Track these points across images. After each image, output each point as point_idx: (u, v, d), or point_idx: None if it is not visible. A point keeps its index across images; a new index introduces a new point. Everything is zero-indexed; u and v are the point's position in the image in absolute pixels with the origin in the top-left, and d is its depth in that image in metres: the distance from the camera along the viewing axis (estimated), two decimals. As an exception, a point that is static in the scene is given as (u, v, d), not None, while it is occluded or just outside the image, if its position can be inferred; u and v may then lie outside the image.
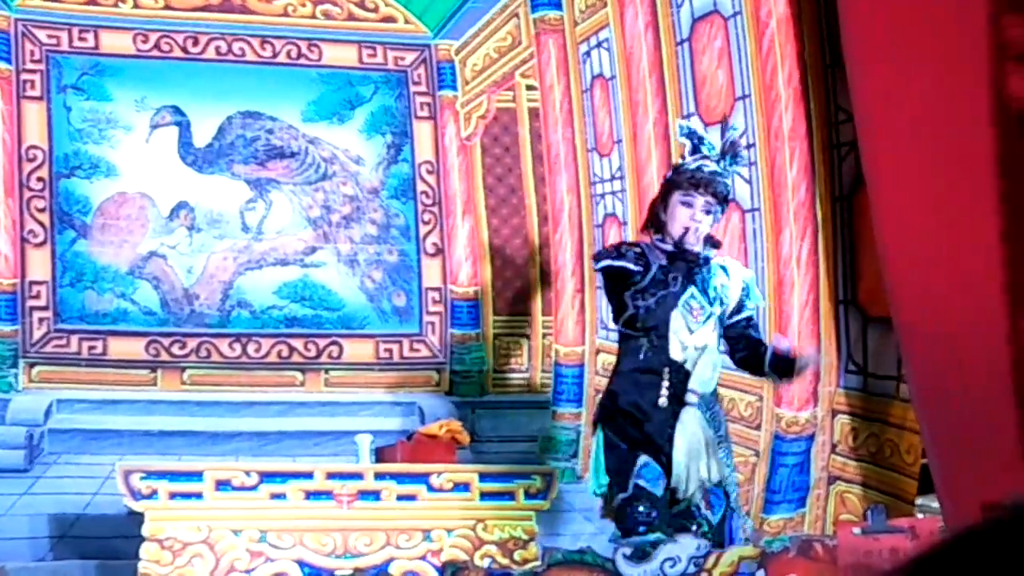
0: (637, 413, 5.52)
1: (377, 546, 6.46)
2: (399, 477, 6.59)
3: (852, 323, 6.96)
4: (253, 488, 6.42)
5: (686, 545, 5.25)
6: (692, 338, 5.53)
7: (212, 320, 11.12)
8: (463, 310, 11.57)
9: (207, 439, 9.87)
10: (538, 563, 5.66)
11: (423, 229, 11.63)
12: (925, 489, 6.34)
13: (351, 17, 11.54)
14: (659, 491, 5.48)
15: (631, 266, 5.47)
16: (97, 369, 10.75)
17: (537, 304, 11.50)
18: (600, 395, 5.90)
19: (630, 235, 9.10)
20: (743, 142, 6.08)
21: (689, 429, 5.51)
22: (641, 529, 5.42)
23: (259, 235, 11.28)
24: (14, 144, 10.68)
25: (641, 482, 5.46)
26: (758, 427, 7.40)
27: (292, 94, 11.44)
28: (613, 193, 9.56)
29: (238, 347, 11.10)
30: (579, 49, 9.88)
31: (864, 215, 6.64)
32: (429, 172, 11.70)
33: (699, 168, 5.51)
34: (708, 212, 5.50)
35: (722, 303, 5.61)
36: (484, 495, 6.60)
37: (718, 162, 5.55)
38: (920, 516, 6.20)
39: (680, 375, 5.52)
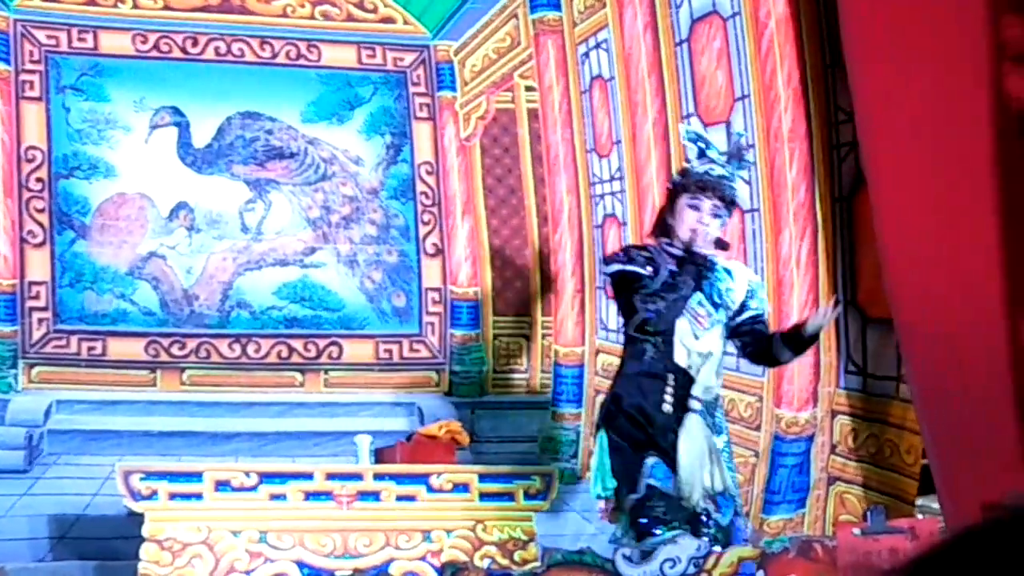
0: (641, 416, 5.52)
1: (377, 547, 6.47)
2: (399, 478, 6.60)
3: (851, 324, 6.96)
4: (253, 489, 6.43)
5: (686, 546, 5.25)
6: (697, 344, 5.53)
7: (212, 321, 11.12)
8: (463, 311, 11.56)
9: (207, 440, 9.87)
10: (538, 564, 5.66)
11: (423, 230, 11.63)
12: (925, 490, 6.34)
13: (350, 18, 11.53)
14: (671, 489, 5.48)
15: (641, 270, 5.47)
16: (96, 370, 10.74)
17: (537, 304, 11.50)
18: (603, 397, 5.89)
19: (629, 235, 9.10)
20: (743, 142, 6.08)
21: (693, 437, 5.51)
22: (659, 527, 5.42)
23: (258, 236, 11.27)
24: (13, 145, 10.67)
25: (653, 481, 5.46)
26: (758, 428, 7.40)
27: (291, 95, 11.43)
28: (612, 194, 9.56)
29: (238, 348, 11.09)
30: (578, 50, 9.88)
31: (864, 216, 6.65)
32: (428, 173, 11.70)
33: (707, 172, 5.52)
34: (715, 215, 5.50)
35: (727, 308, 5.61)
36: (484, 496, 6.61)
37: (725, 166, 5.55)
38: (920, 517, 6.21)
39: (684, 381, 5.52)
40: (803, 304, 7.02)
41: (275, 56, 11.40)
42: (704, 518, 5.58)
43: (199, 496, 6.39)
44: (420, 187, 11.65)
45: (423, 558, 6.48)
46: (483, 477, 6.67)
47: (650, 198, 8.72)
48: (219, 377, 10.91)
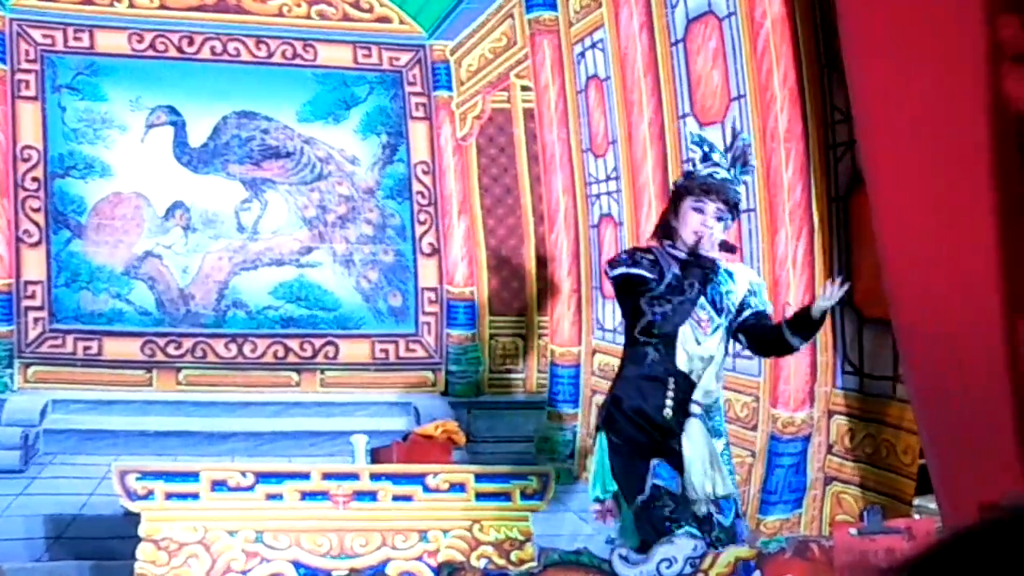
0: (642, 419, 5.51)
1: (373, 547, 6.46)
2: (395, 478, 6.59)
3: (848, 324, 6.97)
4: (249, 488, 6.42)
5: (682, 546, 5.25)
6: (699, 349, 5.52)
7: (208, 320, 11.12)
8: (459, 310, 11.56)
9: (203, 439, 9.86)
10: (534, 564, 5.67)
11: (419, 229, 11.63)
12: (922, 490, 6.34)
13: (346, 17, 11.53)
14: (677, 488, 5.47)
15: (646, 273, 5.46)
16: (92, 369, 10.74)
17: (533, 304, 11.50)
18: (601, 399, 5.88)
19: (626, 235, 9.10)
20: (748, 146, 6.08)
21: (695, 441, 5.50)
22: (668, 526, 5.42)
23: (254, 235, 11.27)
24: (9, 144, 10.66)
25: (659, 481, 5.46)
26: (754, 428, 7.41)
27: (287, 94, 11.43)
28: (608, 193, 9.56)
29: (234, 347, 11.09)
30: (574, 50, 9.88)
31: (860, 216, 6.65)
32: (425, 172, 11.70)
33: (711, 175, 5.52)
34: (719, 219, 5.50)
35: (728, 312, 5.61)
36: (480, 496, 6.60)
37: (729, 170, 5.55)
38: (917, 517, 6.21)
39: (685, 385, 5.51)
40: (799, 305, 7.01)
41: (271, 55, 11.39)
42: (708, 520, 5.57)
43: (195, 496, 6.38)
44: (416, 187, 11.65)
45: (419, 558, 6.47)
46: (479, 477, 6.66)
47: (646, 198, 8.72)
48: (215, 377, 10.91)
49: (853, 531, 5.31)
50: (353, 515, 6.47)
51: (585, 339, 10.06)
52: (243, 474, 6.43)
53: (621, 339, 9.16)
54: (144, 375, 10.85)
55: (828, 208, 7.03)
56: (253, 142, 11.29)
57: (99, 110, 10.92)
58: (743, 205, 7.35)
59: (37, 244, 10.74)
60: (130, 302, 10.93)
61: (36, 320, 10.72)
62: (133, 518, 6.33)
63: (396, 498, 6.53)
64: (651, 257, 5.56)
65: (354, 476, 6.58)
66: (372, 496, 6.51)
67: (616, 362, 9.17)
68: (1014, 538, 1.42)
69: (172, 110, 11.07)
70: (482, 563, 6.44)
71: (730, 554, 5.30)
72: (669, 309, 5.38)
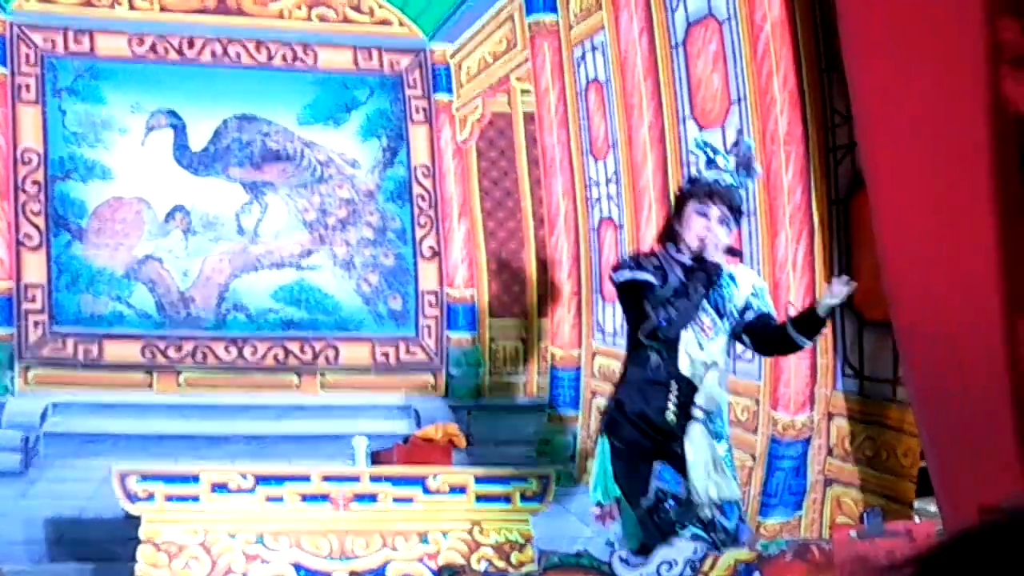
0: (644, 424, 5.51)
1: (373, 549, 6.46)
2: (395, 480, 6.59)
3: (848, 326, 6.97)
4: (249, 491, 6.42)
5: (682, 548, 5.25)
6: (701, 353, 5.51)
7: (208, 323, 11.13)
8: (459, 313, 11.58)
9: (203, 442, 9.86)
10: (534, 566, 5.67)
11: (419, 232, 11.64)
12: (922, 492, 6.34)
13: (346, 20, 11.55)
14: (681, 491, 5.47)
15: (651, 278, 5.45)
16: (93, 372, 10.75)
17: (533, 307, 11.51)
18: (602, 402, 5.87)
19: (625, 238, 9.10)
20: (752, 152, 6.08)
21: (698, 445, 5.50)
22: (673, 529, 5.42)
23: (255, 238, 11.28)
24: (9, 147, 10.68)
25: (662, 485, 5.45)
26: (754, 431, 7.41)
27: (288, 97, 11.45)
28: (608, 196, 9.56)
29: (234, 350, 11.10)
30: (574, 53, 9.88)
31: (860, 218, 6.65)
32: (425, 175, 11.71)
33: (716, 180, 5.51)
34: (723, 223, 5.49)
35: (731, 317, 5.60)
36: (480, 498, 6.60)
37: (733, 175, 5.55)
38: (917, 519, 6.21)
39: (688, 390, 5.50)
40: (797, 305, 7.01)
41: (271, 59, 11.41)
42: (712, 523, 5.57)
43: (196, 498, 6.38)
44: (416, 190, 11.67)
45: (420, 560, 6.48)
46: (480, 479, 6.66)
47: (646, 201, 8.73)
48: (215, 379, 10.92)
49: (853, 534, 5.31)
50: (353, 517, 6.47)
51: (585, 342, 10.05)
52: (243, 476, 6.44)
53: (621, 342, 9.18)
54: (144, 378, 10.86)
55: (828, 211, 7.02)
56: (253, 145, 11.31)
57: (99, 113, 10.94)
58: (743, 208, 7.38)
59: (37, 247, 10.75)
60: (130, 305, 10.94)
61: (36, 323, 10.73)
62: (133, 520, 6.33)
63: (396, 500, 6.53)
64: (655, 262, 5.55)
65: (354, 478, 6.58)
66: (372, 498, 6.52)
67: (616, 365, 9.18)
68: (1014, 541, 1.42)
69: (172, 113, 11.09)
70: (482, 565, 6.44)
71: (730, 556, 5.30)
72: (674, 313, 5.36)
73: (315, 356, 11.27)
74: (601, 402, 9.39)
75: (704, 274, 5.40)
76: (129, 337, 10.89)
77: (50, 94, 10.87)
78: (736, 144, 5.76)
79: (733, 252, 5.54)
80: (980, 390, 4.95)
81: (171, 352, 10.97)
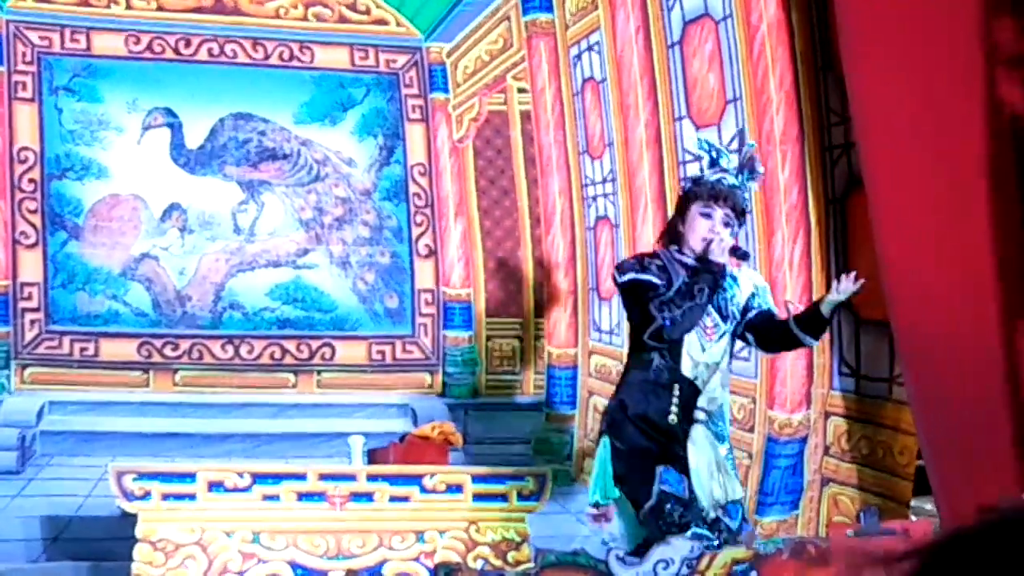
0: (647, 425, 5.49)
1: (370, 547, 6.46)
2: (392, 479, 6.58)
3: (845, 325, 6.97)
4: (246, 489, 6.41)
5: (679, 547, 5.25)
6: (704, 355, 5.50)
7: (204, 322, 11.13)
8: (456, 312, 11.59)
9: (200, 440, 9.87)
10: (531, 565, 5.66)
11: (415, 231, 11.65)
12: (919, 491, 6.35)
13: (343, 19, 11.56)
14: (684, 493, 5.45)
15: (655, 279, 5.43)
16: (89, 371, 10.76)
17: (530, 306, 11.52)
18: (607, 405, 5.84)
19: (622, 237, 9.11)
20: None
21: (700, 448, 5.49)
22: (678, 530, 5.40)
23: (251, 237, 11.29)
24: (5, 146, 10.68)
25: (666, 487, 5.43)
26: (751, 429, 7.41)
27: (284, 96, 11.45)
28: (605, 195, 9.56)
29: (230, 349, 11.10)
30: (570, 52, 9.88)
31: (857, 218, 6.65)
32: (421, 174, 11.72)
33: (719, 181, 5.49)
34: (727, 224, 5.46)
35: (733, 318, 5.59)
36: (477, 497, 6.59)
37: (736, 176, 5.53)
38: (913, 518, 6.22)
39: (690, 391, 5.49)
40: (795, 304, 7.01)
41: (268, 57, 11.42)
42: (716, 524, 5.56)
43: (192, 497, 6.37)
44: (413, 188, 11.68)
45: (416, 559, 6.47)
46: (476, 478, 6.65)
47: (642, 200, 8.73)
48: (212, 378, 10.94)
49: (850, 532, 5.31)
50: (350, 516, 6.46)
51: (582, 341, 10.06)
52: (240, 475, 6.43)
53: (618, 340, 9.23)
54: (141, 376, 10.87)
55: (825, 210, 7.02)
56: (250, 144, 11.31)
57: (96, 112, 10.94)
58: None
59: (34, 246, 10.76)
60: (127, 303, 10.95)
61: (33, 321, 10.74)
62: (130, 519, 6.33)
63: (393, 499, 6.53)
64: (659, 262, 5.53)
65: (351, 477, 6.57)
66: (369, 497, 6.51)
67: (613, 363, 9.22)
68: (1010, 540, 1.43)
69: (169, 112, 11.10)
70: (479, 564, 6.44)
71: (726, 555, 5.30)
72: (679, 314, 5.34)
73: (311, 355, 11.28)
74: (598, 401, 9.41)
75: (710, 276, 5.38)
76: (125, 335, 10.89)
77: (47, 92, 10.88)
78: (739, 145, 5.75)
79: (740, 254, 5.52)
80: (978, 390, 4.96)
81: (167, 350, 10.98)
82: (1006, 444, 4.84)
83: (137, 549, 6.27)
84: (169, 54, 11.16)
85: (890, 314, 5.80)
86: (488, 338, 11.62)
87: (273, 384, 11.07)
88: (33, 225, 10.76)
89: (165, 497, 6.34)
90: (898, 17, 5.26)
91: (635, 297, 5.49)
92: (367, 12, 11.59)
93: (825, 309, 5.34)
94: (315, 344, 11.29)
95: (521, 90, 11.16)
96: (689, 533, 5.32)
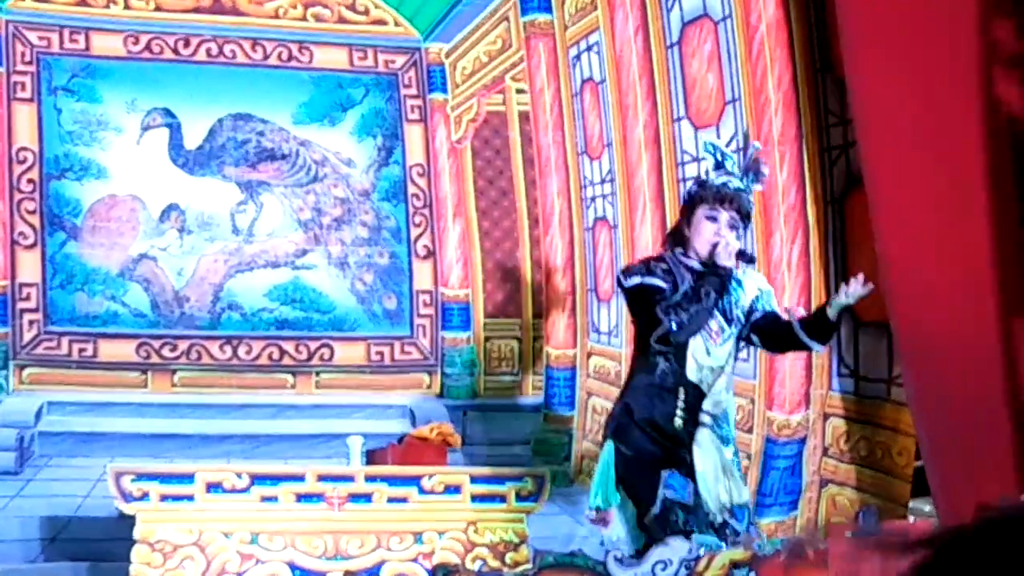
0: (652, 429, 5.48)
1: (368, 548, 6.46)
2: (390, 479, 6.58)
3: (844, 326, 6.96)
4: (244, 490, 6.41)
5: (677, 548, 5.24)
6: (709, 359, 5.48)
7: (203, 322, 11.13)
8: (454, 313, 11.59)
9: (198, 441, 9.87)
10: (529, 566, 5.65)
11: (414, 231, 11.65)
12: (917, 492, 6.34)
13: (342, 20, 11.56)
14: (689, 499, 5.44)
15: (661, 283, 5.41)
16: (87, 371, 10.76)
17: (528, 307, 11.52)
18: (612, 409, 5.83)
19: (620, 238, 9.10)
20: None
21: (706, 451, 5.48)
22: (682, 537, 5.38)
23: (250, 237, 11.29)
24: (4, 146, 10.68)
25: (670, 493, 5.42)
26: (750, 430, 7.41)
27: (283, 96, 11.46)
28: (603, 196, 9.56)
29: (229, 349, 11.10)
30: (569, 53, 9.88)
31: (855, 218, 6.65)
32: (420, 175, 11.73)
33: (725, 184, 5.47)
34: (732, 228, 5.44)
35: (738, 322, 5.57)
36: (475, 497, 6.59)
37: (741, 179, 5.52)
38: (912, 519, 6.21)
39: (695, 395, 5.47)
40: (795, 307, 7.01)
41: (267, 58, 11.42)
42: (723, 528, 5.54)
43: (190, 498, 6.37)
44: (411, 189, 11.68)
45: (415, 560, 6.47)
46: (475, 479, 6.65)
47: (641, 201, 8.72)
48: (210, 379, 10.94)
49: (848, 533, 5.30)
50: (348, 517, 6.46)
51: (580, 342, 10.05)
52: (238, 476, 6.43)
53: (617, 342, 9.23)
54: (139, 377, 10.87)
55: (823, 211, 7.01)
56: (249, 144, 11.32)
57: (95, 112, 10.95)
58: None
59: (32, 246, 10.75)
60: (125, 304, 10.95)
61: (31, 322, 10.73)
62: (128, 520, 6.32)
63: (391, 500, 6.52)
64: (664, 266, 5.50)
65: (349, 478, 6.57)
66: (367, 498, 6.51)
67: (611, 364, 9.22)
68: (1008, 539, 1.43)
69: (168, 112, 11.10)
70: (477, 565, 6.44)
71: (724, 556, 5.29)
72: (686, 318, 5.31)
73: (310, 355, 11.28)
74: (597, 402, 9.41)
75: (716, 279, 5.35)
76: (124, 336, 10.90)
77: (46, 92, 10.88)
78: (744, 147, 5.73)
79: (746, 257, 5.49)
80: (977, 389, 4.95)
81: (166, 351, 10.98)
82: (1005, 444, 4.84)
83: (135, 550, 6.27)
84: (168, 54, 11.16)
85: (890, 313, 5.80)
86: (486, 339, 11.62)
87: (272, 385, 11.07)
88: (32, 225, 10.77)
89: (163, 498, 6.34)
90: (898, 18, 5.26)
91: (641, 301, 5.47)
92: (366, 12, 11.59)
93: (832, 313, 5.31)
94: (313, 345, 11.29)
95: (520, 91, 11.16)
96: (695, 541, 5.30)
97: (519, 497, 6.63)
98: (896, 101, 5.32)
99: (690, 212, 5.53)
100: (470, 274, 11.66)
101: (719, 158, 5.56)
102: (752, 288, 5.63)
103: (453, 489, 6.59)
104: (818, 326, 5.40)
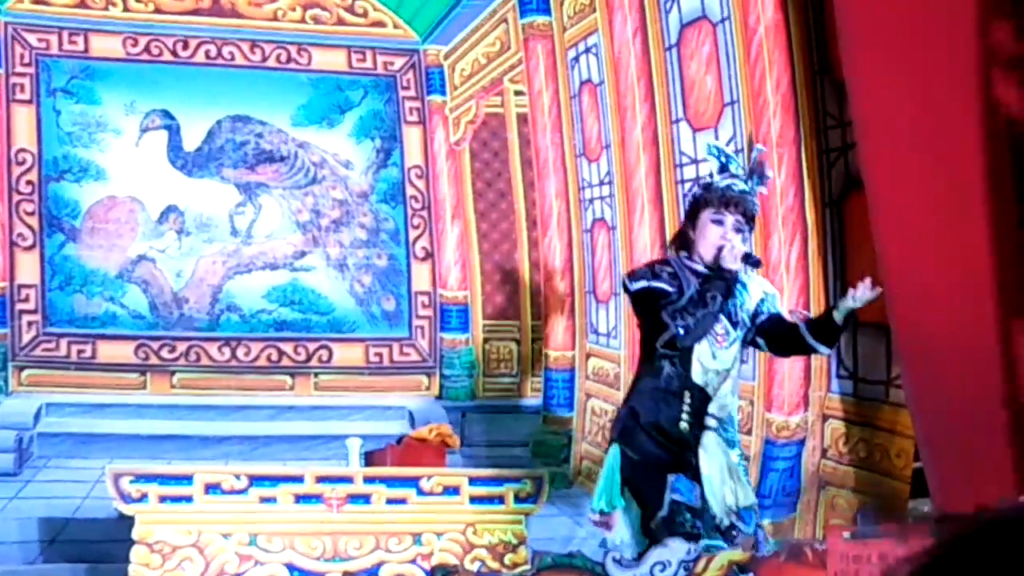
0: (658, 433, 5.47)
1: (367, 550, 6.47)
2: (389, 481, 6.59)
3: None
4: (243, 492, 6.42)
5: (676, 549, 5.24)
6: (714, 363, 5.47)
7: (201, 324, 11.13)
8: (452, 314, 11.59)
9: (197, 443, 9.87)
10: (528, 567, 5.66)
11: (412, 233, 11.65)
12: (915, 493, 6.35)
13: (340, 22, 11.56)
14: (696, 502, 5.43)
15: (667, 287, 5.40)
16: (86, 373, 10.75)
17: (527, 309, 11.52)
18: (617, 412, 5.82)
19: (619, 240, 9.10)
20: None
21: (712, 454, 5.47)
22: (689, 540, 5.37)
23: (248, 239, 11.29)
24: (3, 148, 10.68)
25: (677, 496, 5.40)
26: (749, 432, 7.40)
27: (282, 98, 11.45)
28: (602, 198, 9.56)
29: (227, 351, 11.10)
30: (567, 54, 9.88)
31: (854, 220, 6.65)
32: (418, 176, 11.72)
33: (729, 187, 5.44)
34: (738, 231, 5.41)
35: (744, 325, 5.56)
36: (474, 499, 6.60)
37: (746, 181, 5.50)
38: (910, 520, 6.21)
39: (701, 398, 5.46)
40: (794, 308, 7.01)
41: (265, 60, 11.41)
42: (730, 531, 5.53)
43: (189, 499, 6.38)
44: (410, 191, 11.68)
45: (413, 561, 6.48)
46: (473, 480, 6.67)
47: (639, 203, 8.73)
48: (209, 380, 10.93)
49: (846, 535, 5.31)
50: (347, 518, 6.47)
51: (579, 343, 10.05)
52: (237, 477, 6.44)
53: (615, 343, 9.23)
54: (138, 378, 10.86)
55: (821, 213, 7.02)
56: (247, 146, 11.31)
57: (94, 114, 10.94)
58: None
59: (31, 248, 10.75)
60: (124, 306, 10.94)
61: (30, 323, 10.73)
62: (127, 521, 6.33)
63: (390, 501, 6.54)
64: (670, 270, 5.47)
65: (348, 479, 6.58)
66: (366, 499, 6.52)
67: (610, 366, 9.22)
68: (1009, 541, 1.43)
69: (166, 114, 11.09)
70: (476, 566, 6.45)
71: (723, 557, 5.30)
72: (692, 322, 5.29)
73: (308, 357, 11.28)
74: (596, 404, 9.42)
75: (722, 283, 5.33)
76: (123, 338, 10.89)
77: (44, 94, 10.88)
78: (749, 148, 5.73)
79: (753, 261, 5.46)
80: (976, 390, 4.96)
81: (164, 353, 10.98)
82: (1004, 445, 4.84)
83: (134, 551, 6.28)
84: (167, 56, 11.16)
85: (889, 315, 5.80)
86: (485, 341, 11.62)
87: (270, 386, 11.07)
88: (30, 227, 10.76)
89: (162, 499, 6.35)
90: (897, 20, 5.26)
91: (647, 305, 5.45)
92: (364, 14, 11.59)
93: (838, 316, 5.28)
94: (312, 346, 11.29)
95: (518, 92, 11.15)
96: (702, 545, 5.29)
97: (518, 498, 6.63)
98: (895, 103, 5.33)
99: (695, 215, 5.50)
100: (468, 276, 11.66)
101: (723, 160, 5.54)
102: (757, 291, 5.61)
103: (452, 490, 6.60)
104: (824, 329, 5.38)
